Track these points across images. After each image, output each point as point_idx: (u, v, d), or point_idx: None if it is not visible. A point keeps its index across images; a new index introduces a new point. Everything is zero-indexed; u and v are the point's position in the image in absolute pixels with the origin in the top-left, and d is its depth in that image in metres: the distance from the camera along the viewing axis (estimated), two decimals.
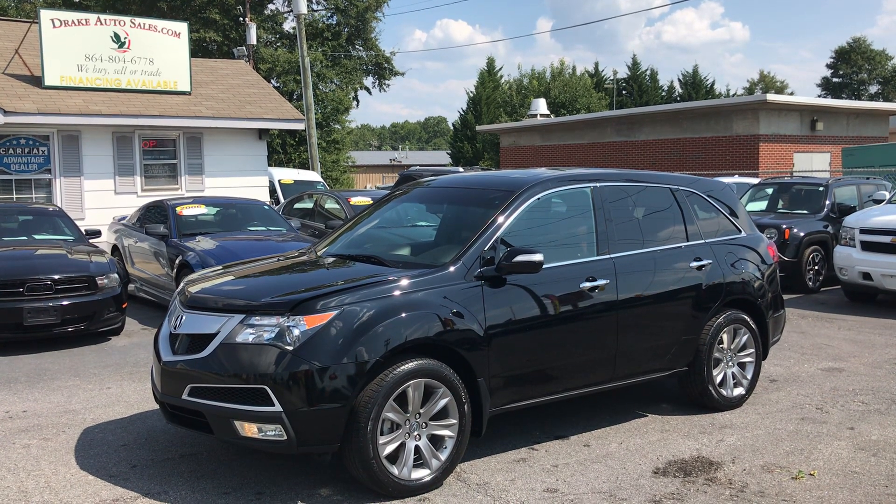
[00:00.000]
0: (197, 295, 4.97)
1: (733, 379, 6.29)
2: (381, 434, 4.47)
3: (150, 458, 5.22)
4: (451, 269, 4.90)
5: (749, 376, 6.38)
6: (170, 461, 5.15)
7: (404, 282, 4.75)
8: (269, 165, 26.77)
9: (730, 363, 6.28)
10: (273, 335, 4.42)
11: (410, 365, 4.53)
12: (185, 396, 4.61)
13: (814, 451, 5.32)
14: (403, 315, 4.58)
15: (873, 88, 71.85)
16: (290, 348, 4.36)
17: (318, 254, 5.82)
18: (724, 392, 6.20)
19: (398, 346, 4.50)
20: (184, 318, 4.86)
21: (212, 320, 4.67)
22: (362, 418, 4.38)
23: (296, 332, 4.39)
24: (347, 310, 4.48)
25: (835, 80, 72.43)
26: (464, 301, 4.83)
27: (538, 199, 5.44)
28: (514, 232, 5.21)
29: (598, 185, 5.77)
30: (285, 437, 4.35)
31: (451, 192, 6.11)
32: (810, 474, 4.92)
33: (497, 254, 5.00)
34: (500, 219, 5.19)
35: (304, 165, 31.92)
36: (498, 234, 5.12)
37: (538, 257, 4.90)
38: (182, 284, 5.42)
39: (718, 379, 6.18)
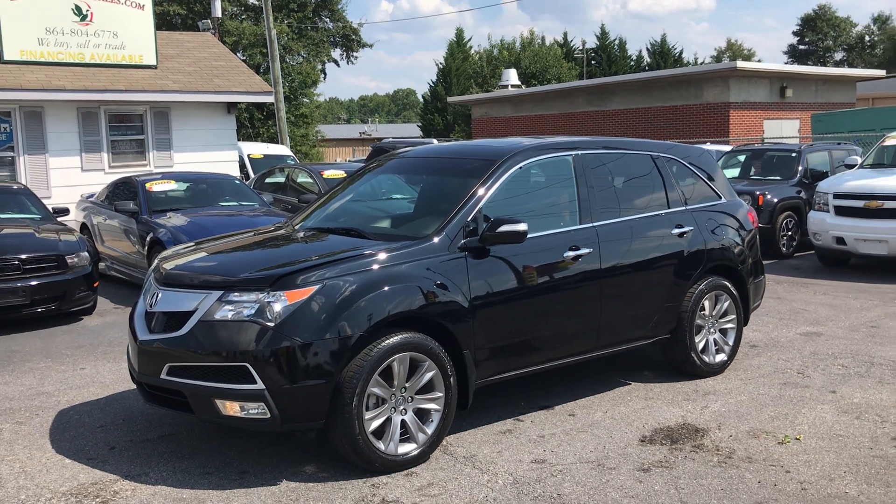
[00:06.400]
0: (172, 272, 4.83)
1: (715, 345, 6.29)
2: (367, 409, 4.40)
3: (128, 439, 5.10)
4: (434, 240, 4.81)
5: (731, 342, 6.39)
6: (149, 442, 5.04)
7: (386, 254, 4.65)
8: (238, 140, 26.42)
9: (712, 330, 6.27)
10: (253, 311, 4.30)
11: (395, 339, 4.45)
12: (163, 376, 4.49)
13: (798, 416, 5.33)
14: (386, 288, 4.49)
15: (838, 55, 72.47)
16: (271, 324, 4.25)
17: (296, 227, 5.69)
18: (706, 359, 6.20)
19: (382, 319, 4.41)
20: (160, 295, 4.72)
21: (189, 297, 4.54)
22: (347, 394, 4.29)
23: (277, 307, 4.28)
24: (329, 284, 4.38)
25: (801, 47, 72.93)
26: (448, 273, 4.74)
27: (520, 167, 5.35)
28: (496, 202, 5.12)
29: (579, 152, 5.69)
30: (269, 415, 4.25)
31: (430, 163, 6.00)
32: (796, 438, 4.93)
33: (480, 224, 4.91)
34: (482, 189, 5.10)
35: (273, 140, 31.58)
36: (480, 204, 5.03)
37: (522, 227, 4.82)
38: (156, 261, 5.27)
39: (701, 346, 6.17)
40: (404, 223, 5.56)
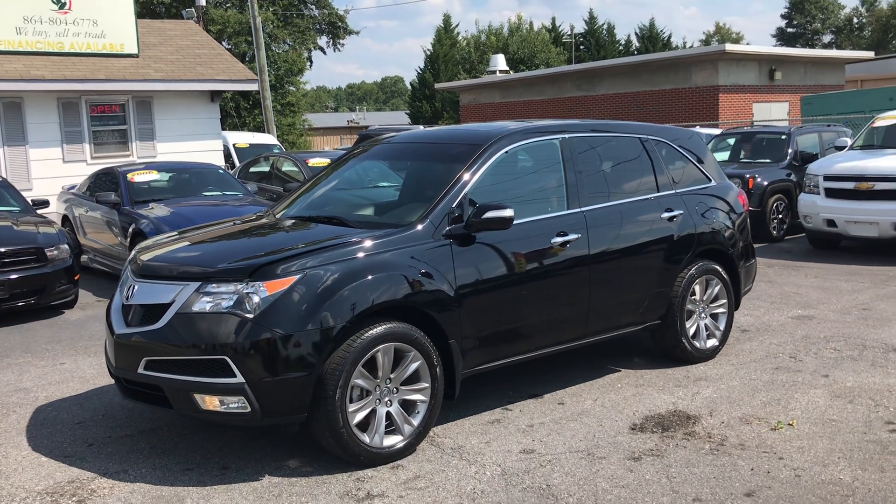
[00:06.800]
0: (149, 263, 4.69)
1: (706, 330, 6.20)
2: (351, 402, 4.28)
3: (107, 435, 4.97)
4: (418, 227, 4.69)
5: (722, 327, 6.30)
6: (129, 438, 4.91)
7: (369, 243, 4.52)
8: (224, 129, 26.16)
9: (702, 315, 6.18)
10: (232, 303, 4.18)
11: (379, 329, 4.33)
12: (141, 370, 4.36)
13: (791, 401, 5.25)
14: (370, 277, 4.36)
15: (827, 38, 72.44)
16: (251, 316, 4.12)
17: (277, 216, 5.55)
18: (697, 344, 6.11)
19: (365, 309, 4.29)
20: (136, 287, 4.59)
21: (166, 289, 4.40)
22: (330, 386, 4.18)
23: (255, 298, 4.16)
24: (310, 274, 4.25)
25: (789, 30, 72.88)
26: (432, 261, 4.62)
27: (506, 152, 5.22)
28: (482, 187, 5.00)
29: (566, 136, 5.57)
30: (249, 410, 4.13)
31: (414, 148, 5.87)
32: (789, 424, 4.84)
33: (465, 211, 4.80)
34: (468, 174, 4.97)
35: (260, 129, 31.28)
36: (466, 190, 4.90)
37: (508, 213, 4.71)
38: (133, 252, 5.13)
39: (692, 331, 6.08)
40: (388, 211, 5.43)
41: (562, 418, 5.06)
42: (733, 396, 5.37)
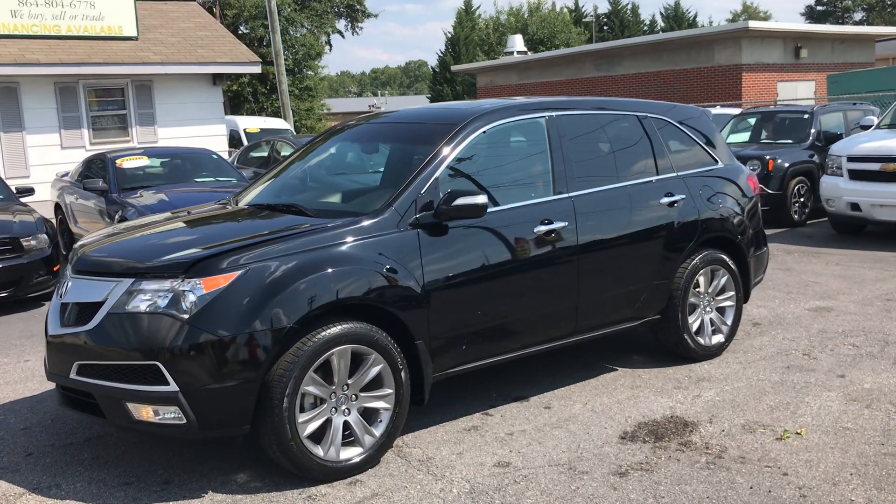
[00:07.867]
0: (84, 257, 4.28)
1: (711, 325, 5.69)
2: (302, 411, 3.85)
3: (50, 443, 4.59)
4: (382, 216, 4.23)
5: (729, 322, 5.78)
6: (72, 446, 4.52)
7: (325, 234, 4.08)
8: (241, 114, 25.83)
9: (707, 308, 5.67)
10: (166, 302, 3.75)
11: (334, 330, 3.89)
12: (72, 375, 3.96)
13: (801, 405, 4.74)
14: (325, 272, 3.92)
15: (858, 15, 70.55)
16: (185, 317, 3.70)
17: (239, 204, 5.12)
18: (701, 340, 5.60)
19: (316, 308, 3.85)
20: (69, 284, 4.19)
21: (99, 286, 3.99)
22: (276, 395, 3.75)
23: (191, 297, 3.73)
24: (253, 269, 3.81)
25: (818, 7, 71.04)
26: (397, 253, 4.17)
27: (484, 132, 4.73)
28: (456, 171, 4.53)
29: (553, 114, 5.06)
30: (185, 421, 3.72)
31: (386, 129, 5.41)
32: (797, 433, 4.34)
33: (436, 197, 4.33)
34: (439, 157, 4.49)
35: (277, 114, 30.94)
36: (436, 174, 4.43)
37: (481, 200, 4.24)
38: (74, 246, 4.73)
39: (695, 326, 5.58)
40: (353, 198, 4.97)
41: (546, 425, 4.60)
42: (737, 400, 4.87)
